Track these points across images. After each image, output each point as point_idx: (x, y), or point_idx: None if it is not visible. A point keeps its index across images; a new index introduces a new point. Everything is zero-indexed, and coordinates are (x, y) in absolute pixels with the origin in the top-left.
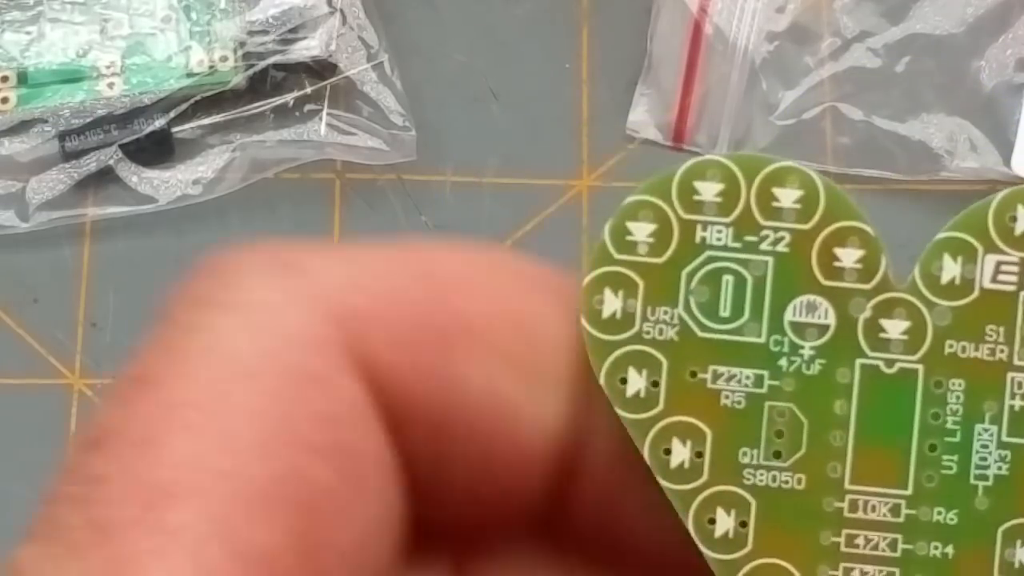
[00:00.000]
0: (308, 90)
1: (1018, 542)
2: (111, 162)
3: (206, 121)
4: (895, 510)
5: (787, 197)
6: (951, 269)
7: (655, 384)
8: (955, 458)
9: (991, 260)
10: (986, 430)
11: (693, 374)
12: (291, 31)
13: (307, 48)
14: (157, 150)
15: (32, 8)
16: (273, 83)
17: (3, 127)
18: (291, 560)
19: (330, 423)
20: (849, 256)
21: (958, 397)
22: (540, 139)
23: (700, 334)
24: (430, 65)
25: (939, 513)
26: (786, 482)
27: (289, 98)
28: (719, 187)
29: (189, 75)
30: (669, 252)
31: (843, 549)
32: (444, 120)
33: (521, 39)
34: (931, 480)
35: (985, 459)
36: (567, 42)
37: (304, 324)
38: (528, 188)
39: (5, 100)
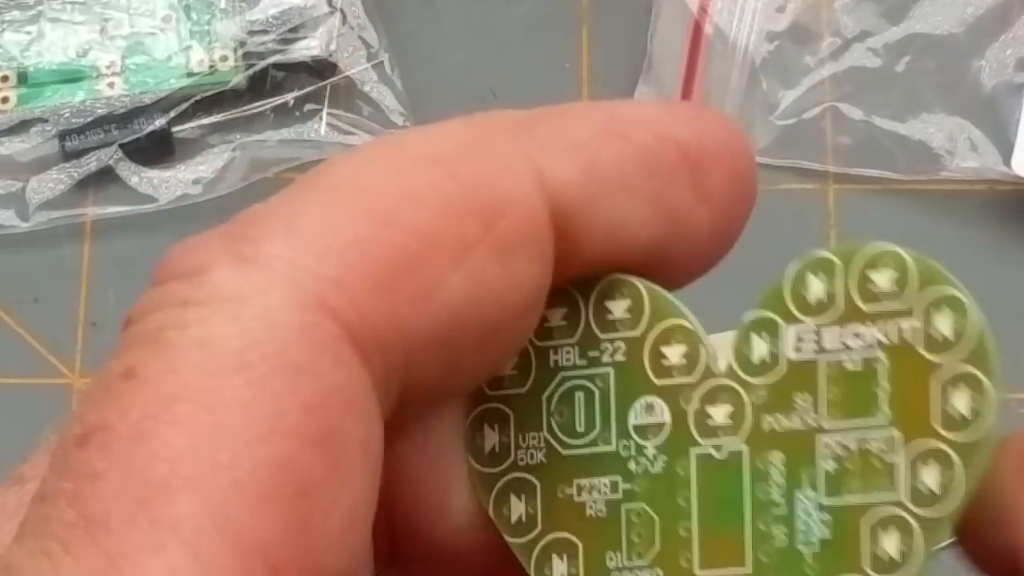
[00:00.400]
0: (308, 90)
1: None
2: (111, 162)
3: (206, 121)
4: None
5: (618, 308)
6: (760, 348)
7: (532, 507)
8: (784, 529)
9: (791, 332)
10: (807, 498)
11: (562, 491)
12: (291, 31)
13: (307, 48)
14: (157, 150)
15: (32, 8)
16: (273, 83)
17: (3, 127)
18: (287, 549)
19: (318, 411)
20: (674, 353)
21: (779, 471)
22: None
23: (563, 452)
24: (430, 65)
25: None
26: None
27: (289, 98)
28: (562, 311)
29: (189, 75)
30: (530, 381)
31: None
32: (444, 120)
33: (521, 39)
34: (767, 555)
35: (808, 524)
36: (567, 42)
37: (281, 312)
38: None
39: (5, 100)
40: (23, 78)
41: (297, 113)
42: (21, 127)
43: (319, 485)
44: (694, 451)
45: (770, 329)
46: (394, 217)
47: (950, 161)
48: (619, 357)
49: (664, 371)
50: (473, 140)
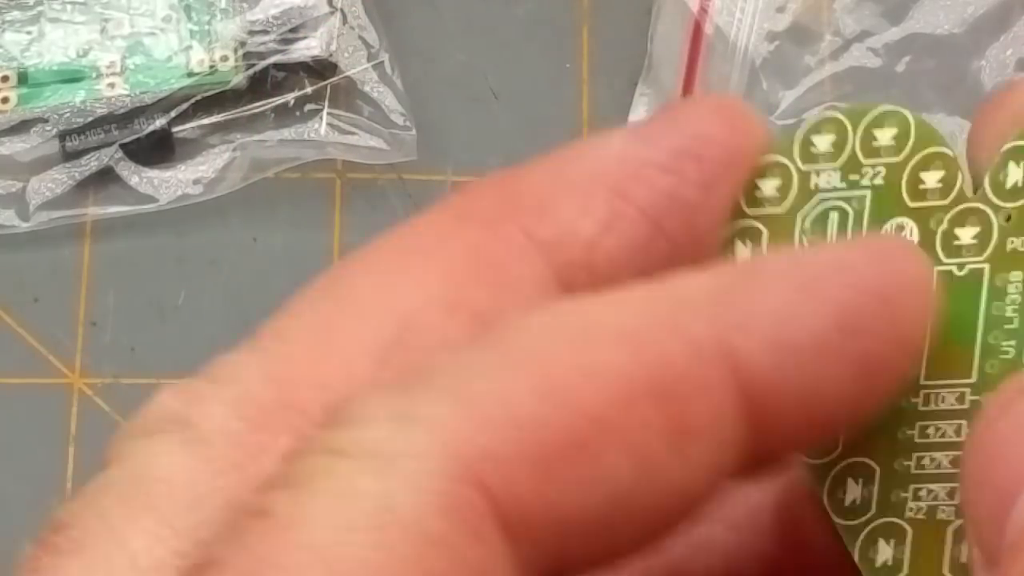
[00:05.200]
0: (308, 90)
1: None
2: (111, 162)
3: (206, 121)
4: (961, 399)
5: (884, 135)
6: (1015, 174)
7: None
8: (1013, 342)
9: None
10: None
11: None
12: (291, 31)
13: (307, 48)
14: (157, 150)
15: (32, 8)
16: (273, 83)
17: (3, 127)
18: None
19: None
20: (932, 178)
21: (1017, 288)
22: (540, 139)
23: None
24: (430, 65)
25: None
26: None
27: (290, 98)
28: (831, 138)
29: (189, 75)
30: (789, 200)
31: (916, 440)
32: (444, 120)
33: (521, 39)
34: (993, 367)
35: None
36: (567, 42)
37: (429, 479)
38: None
39: (5, 100)
40: (23, 78)
41: (297, 113)
42: (21, 127)
43: None
44: (936, 269)
45: None
46: (569, 396)
47: None
48: (878, 181)
49: (919, 194)
50: (665, 315)
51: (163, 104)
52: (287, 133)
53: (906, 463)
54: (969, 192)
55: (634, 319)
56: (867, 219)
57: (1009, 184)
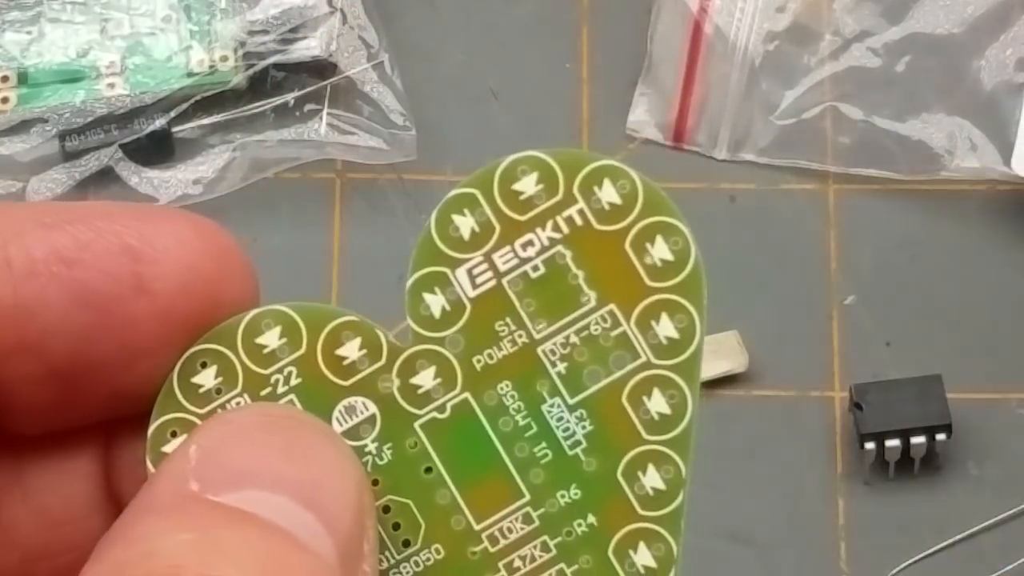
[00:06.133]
0: (308, 90)
1: (639, 473)
2: (111, 162)
3: (206, 121)
4: (527, 519)
5: (271, 338)
6: (436, 302)
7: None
8: (544, 445)
9: (461, 273)
10: (553, 406)
11: None
12: (291, 31)
13: (307, 48)
14: (157, 150)
15: (32, 8)
16: (273, 83)
17: (3, 127)
18: None
19: None
20: (351, 349)
21: (513, 396)
22: (540, 139)
23: None
24: (430, 65)
25: (563, 497)
26: (428, 559)
27: (289, 98)
28: (213, 369)
29: (189, 75)
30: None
31: None
32: (444, 120)
33: (521, 39)
34: (538, 476)
35: (568, 428)
36: (567, 42)
37: None
38: None
39: (5, 100)
40: (23, 78)
41: (297, 113)
42: (21, 127)
43: None
44: (417, 424)
45: (439, 281)
46: None
47: (950, 161)
48: (294, 381)
49: (347, 370)
50: None
51: (163, 104)
52: (287, 133)
53: None
54: (400, 343)
55: None
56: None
57: (436, 313)
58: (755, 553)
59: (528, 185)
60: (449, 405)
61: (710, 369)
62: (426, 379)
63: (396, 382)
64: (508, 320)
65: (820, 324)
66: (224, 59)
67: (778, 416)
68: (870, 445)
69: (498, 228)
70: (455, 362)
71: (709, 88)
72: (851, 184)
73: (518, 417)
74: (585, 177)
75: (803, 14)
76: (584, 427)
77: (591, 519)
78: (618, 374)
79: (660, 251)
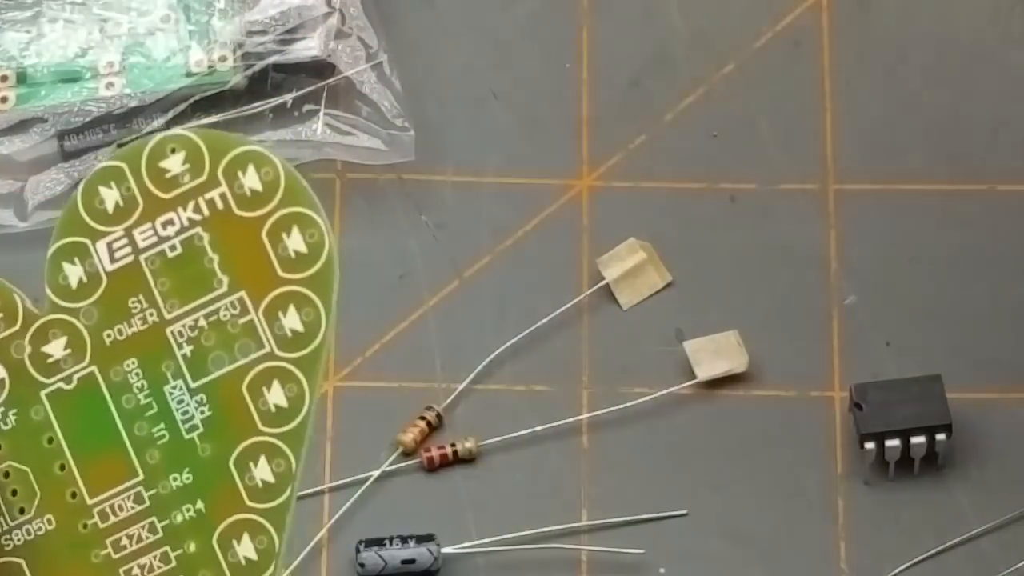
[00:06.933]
0: (307, 90)
1: (250, 464)
2: None
3: (205, 121)
4: (139, 498)
5: None
6: (74, 272)
7: None
8: (162, 426)
9: (101, 246)
10: (175, 388)
11: None
12: (290, 31)
13: (306, 48)
14: None
15: (31, 7)
16: (272, 83)
17: (2, 126)
18: None
19: None
20: None
21: (138, 374)
22: (540, 139)
23: None
24: (430, 65)
25: (175, 480)
26: (39, 529)
27: (288, 98)
28: None
29: (188, 75)
30: None
31: (115, 556)
32: (444, 120)
33: (521, 39)
34: (153, 457)
35: (187, 411)
36: (567, 42)
37: None
38: (528, 188)
39: (4, 99)
40: (22, 78)
41: (296, 113)
42: (20, 127)
43: None
44: (43, 393)
45: (80, 252)
46: None
47: None
48: None
49: None
50: None
51: (161, 104)
52: (285, 133)
53: None
54: (37, 308)
55: None
56: None
57: (74, 284)
58: (755, 553)
59: (175, 164)
60: (76, 377)
61: (710, 369)
62: (57, 349)
63: (28, 349)
64: (141, 297)
65: (820, 324)
66: (223, 59)
67: (778, 416)
68: (870, 445)
69: (142, 204)
70: (86, 334)
71: None
72: (851, 184)
73: (141, 396)
74: (230, 161)
75: None
76: (203, 412)
77: (200, 505)
78: (241, 362)
79: (295, 242)
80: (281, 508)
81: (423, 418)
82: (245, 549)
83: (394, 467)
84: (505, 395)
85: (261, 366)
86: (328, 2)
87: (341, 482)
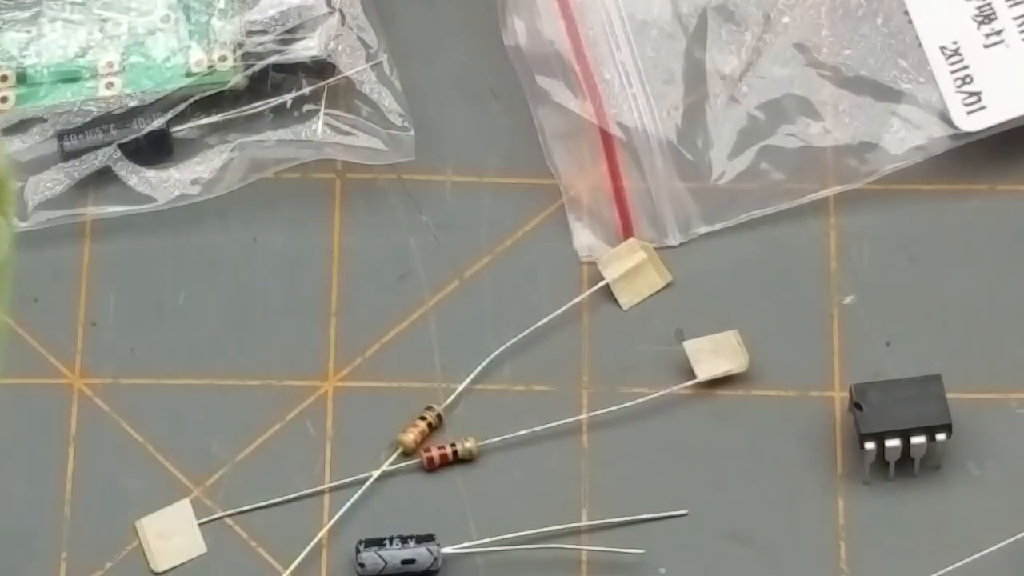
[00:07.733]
0: (307, 90)
1: None
2: (110, 162)
3: (205, 121)
4: None
5: None
6: None
7: None
8: None
9: None
10: None
11: None
12: (290, 31)
13: (306, 48)
14: (156, 150)
15: (31, 7)
16: (272, 83)
17: (2, 126)
18: None
19: None
20: None
21: None
22: (539, 139)
23: None
24: (430, 65)
25: None
26: None
27: (288, 98)
28: None
29: (188, 75)
30: None
31: None
32: (444, 120)
33: None
34: None
35: None
36: None
37: None
38: (528, 188)
39: (4, 99)
40: (22, 78)
41: (296, 113)
42: (20, 127)
43: None
44: None
45: None
46: None
47: (897, 147)
48: None
49: None
50: None
51: (161, 104)
52: (285, 133)
53: None
54: None
55: None
56: None
57: None
58: (755, 553)
59: None
60: None
61: (710, 369)
62: None
63: None
64: None
65: (820, 324)
66: (223, 59)
67: (778, 416)
68: (870, 445)
69: None
70: None
71: (637, 184)
72: (851, 184)
73: None
74: None
75: (688, 71)
76: None
77: None
78: None
79: None
80: None
81: (423, 418)
82: None
83: (394, 467)
84: (505, 395)
85: None
86: (328, 2)
87: (341, 482)
